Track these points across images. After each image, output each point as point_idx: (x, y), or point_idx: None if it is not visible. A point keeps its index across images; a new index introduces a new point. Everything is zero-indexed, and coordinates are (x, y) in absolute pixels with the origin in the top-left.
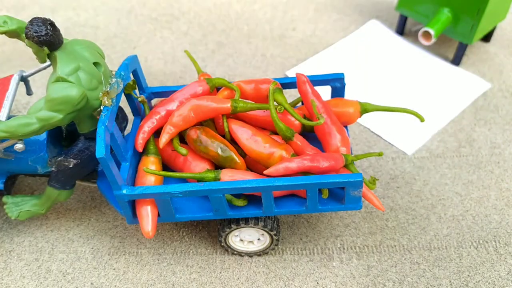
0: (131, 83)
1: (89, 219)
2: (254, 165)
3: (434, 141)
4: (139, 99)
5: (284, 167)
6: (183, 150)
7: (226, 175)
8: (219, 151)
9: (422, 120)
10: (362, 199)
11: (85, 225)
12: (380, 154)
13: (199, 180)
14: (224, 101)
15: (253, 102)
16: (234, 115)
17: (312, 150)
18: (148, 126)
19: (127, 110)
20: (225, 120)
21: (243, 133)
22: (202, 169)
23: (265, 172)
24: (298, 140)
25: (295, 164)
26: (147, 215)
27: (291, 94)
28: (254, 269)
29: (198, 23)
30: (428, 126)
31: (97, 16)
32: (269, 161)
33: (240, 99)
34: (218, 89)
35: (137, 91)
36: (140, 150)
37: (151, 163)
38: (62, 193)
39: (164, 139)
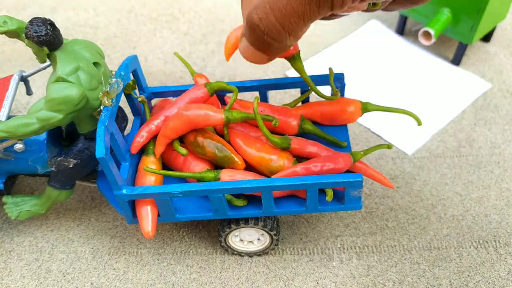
0: (131, 83)
1: (89, 219)
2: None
3: (434, 141)
4: (139, 99)
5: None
6: (183, 150)
7: (226, 175)
8: (216, 151)
9: (420, 123)
10: (371, 181)
11: (85, 225)
12: (389, 147)
13: (199, 179)
14: (217, 111)
15: (247, 112)
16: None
17: (312, 146)
18: (145, 131)
19: (127, 110)
20: (225, 128)
21: (243, 141)
22: (202, 169)
23: (273, 176)
24: (296, 144)
25: (302, 170)
26: (147, 215)
27: (291, 94)
28: (254, 269)
29: (198, 23)
30: (428, 126)
31: (97, 16)
32: (270, 168)
33: (233, 110)
34: (217, 93)
35: (137, 91)
36: (134, 152)
37: (151, 163)
38: (62, 193)
39: (159, 149)
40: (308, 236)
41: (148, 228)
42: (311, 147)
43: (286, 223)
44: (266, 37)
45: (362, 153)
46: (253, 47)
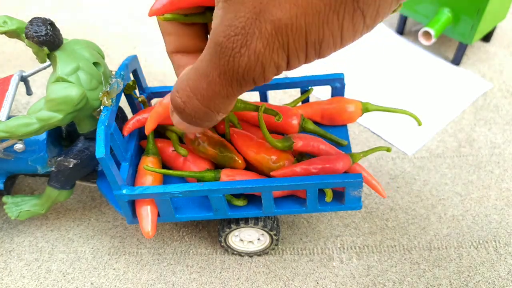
0: (131, 83)
1: (89, 219)
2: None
3: (434, 141)
4: (139, 99)
5: (291, 171)
6: (183, 150)
7: (226, 175)
8: (216, 151)
9: (420, 124)
10: (366, 185)
11: (85, 225)
12: (388, 150)
13: (199, 179)
14: None
15: (249, 103)
16: (237, 114)
17: (316, 141)
18: (144, 117)
19: (127, 110)
20: (227, 127)
21: (243, 141)
22: (202, 169)
23: (272, 173)
24: (299, 140)
25: (301, 170)
26: (147, 215)
27: (291, 94)
28: (254, 269)
29: None
30: (428, 126)
31: (97, 16)
32: (270, 168)
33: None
34: None
35: (137, 91)
36: (126, 134)
37: (151, 163)
38: (62, 193)
39: (150, 126)
40: (308, 236)
41: (148, 228)
42: (315, 143)
43: (286, 223)
44: (195, 119)
45: (361, 154)
46: (185, 122)
